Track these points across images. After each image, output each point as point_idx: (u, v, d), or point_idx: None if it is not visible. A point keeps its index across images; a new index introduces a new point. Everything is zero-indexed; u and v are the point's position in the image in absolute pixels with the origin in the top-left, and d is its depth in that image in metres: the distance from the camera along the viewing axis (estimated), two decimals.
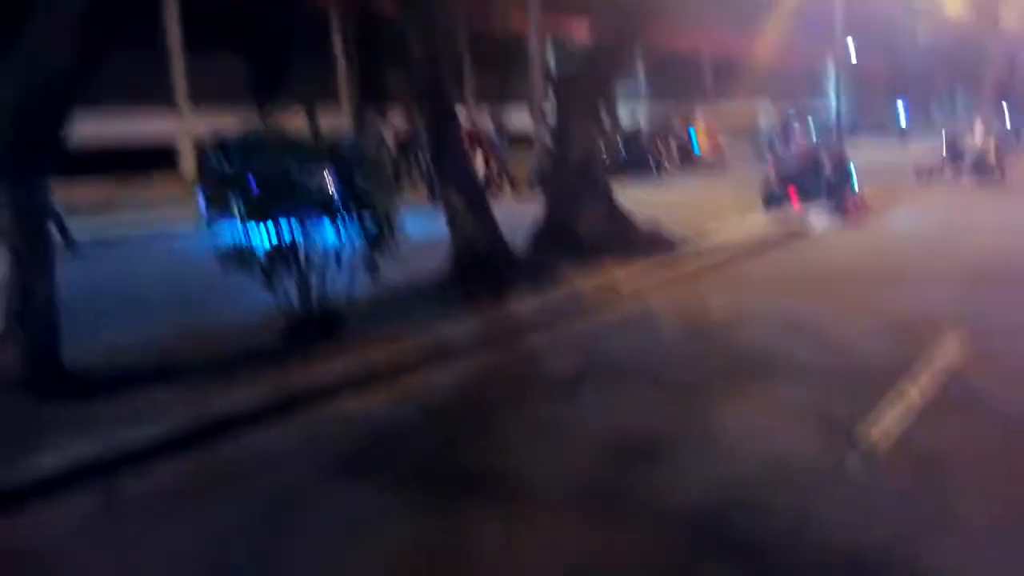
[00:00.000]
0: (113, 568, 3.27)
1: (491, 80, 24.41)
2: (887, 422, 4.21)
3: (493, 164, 17.53)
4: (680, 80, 31.78)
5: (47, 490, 3.81)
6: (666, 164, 21.43)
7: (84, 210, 13.83)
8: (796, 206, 12.09)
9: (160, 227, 13.44)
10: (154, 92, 17.02)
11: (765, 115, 27.13)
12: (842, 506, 3.41)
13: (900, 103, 34.23)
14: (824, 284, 7.97)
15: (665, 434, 4.30)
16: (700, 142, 23.12)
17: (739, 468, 3.83)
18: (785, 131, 18.79)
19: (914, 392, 4.64)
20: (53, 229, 5.93)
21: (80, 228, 11.34)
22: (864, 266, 8.81)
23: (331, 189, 6.30)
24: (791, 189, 12.30)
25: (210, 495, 3.85)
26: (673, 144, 22.37)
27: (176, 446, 4.24)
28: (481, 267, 7.74)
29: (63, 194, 8.78)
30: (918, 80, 42.00)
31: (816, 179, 12.41)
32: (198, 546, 3.35)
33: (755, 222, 11.41)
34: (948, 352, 5.37)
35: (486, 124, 18.93)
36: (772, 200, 12.37)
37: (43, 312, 4.82)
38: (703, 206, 13.63)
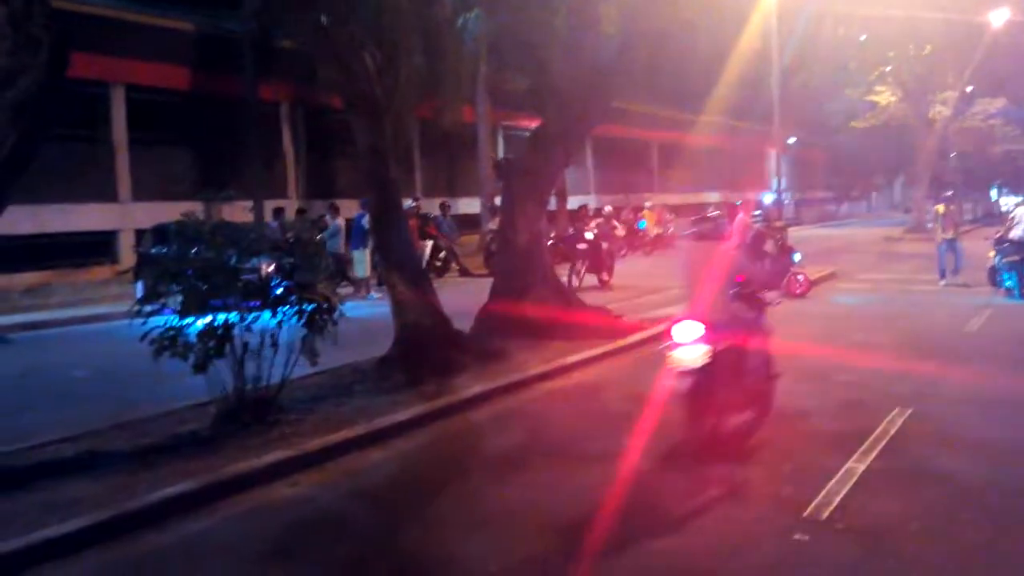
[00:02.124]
0: None
1: (441, 169, 24.88)
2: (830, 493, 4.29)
3: (443, 249, 17.74)
4: (629, 169, 32.77)
5: None
6: (617, 247, 21.81)
7: (16, 299, 13.54)
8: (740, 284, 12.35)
9: (95, 315, 13.13)
10: (96, 184, 16.94)
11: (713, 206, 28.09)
12: None
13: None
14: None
15: (604, 509, 4.26)
16: (648, 227, 23.67)
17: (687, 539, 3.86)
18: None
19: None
20: None
21: (11, 316, 11.08)
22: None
23: (271, 276, 6.31)
24: (739, 277, 12.51)
25: None
26: (621, 228, 22.86)
27: (100, 537, 4.07)
28: (424, 347, 7.72)
29: None
30: (857, 171, 44.10)
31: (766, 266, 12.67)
32: None
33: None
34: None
35: (435, 211, 19.23)
36: None
37: None
38: (648, 285, 13.91)
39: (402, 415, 6.08)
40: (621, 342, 8.86)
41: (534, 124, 14.01)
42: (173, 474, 4.76)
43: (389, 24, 8.61)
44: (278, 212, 16.29)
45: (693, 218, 6.28)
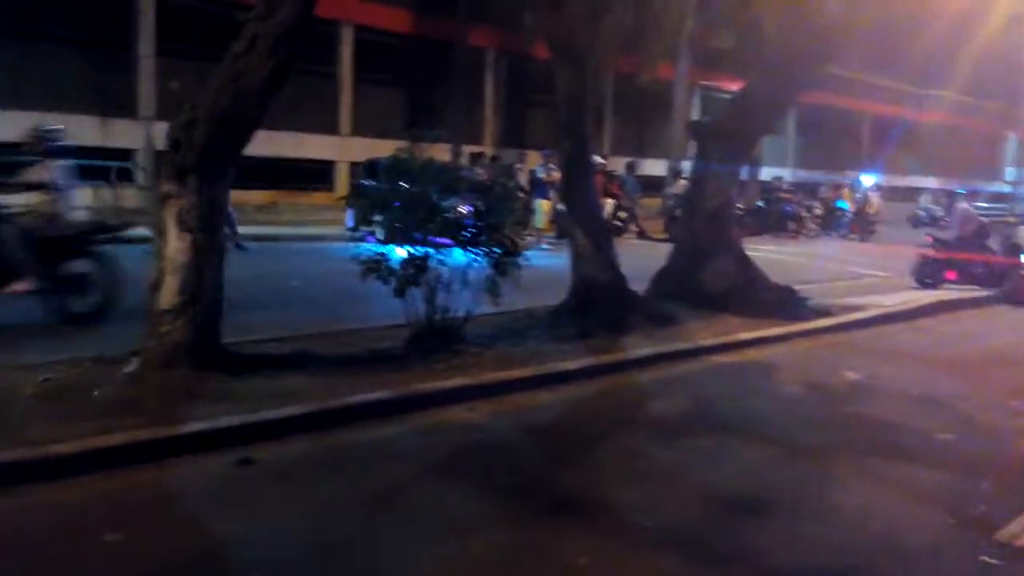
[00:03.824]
0: (235, 515, 3.76)
1: (631, 126, 24.71)
2: None
3: (624, 207, 17.80)
4: (834, 143, 30.78)
5: (195, 448, 4.39)
6: (810, 226, 20.82)
7: (250, 212, 15.28)
8: (953, 284, 11.58)
9: (313, 235, 14.63)
10: (321, 116, 18.51)
11: (926, 193, 25.88)
12: None
13: None
14: (975, 366, 7.61)
15: (776, 495, 4.26)
16: (849, 208, 22.20)
17: (857, 540, 3.74)
18: (950, 209, 17.58)
19: None
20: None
21: (245, 227, 12.58)
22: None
23: (466, 215, 6.82)
24: (950, 273, 11.75)
25: (327, 474, 4.31)
26: (819, 207, 21.73)
27: (305, 427, 4.75)
28: (599, 303, 7.96)
29: (235, 196, 9.85)
30: None
31: (983, 265, 11.76)
32: (308, 514, 3.79)
33: (901, 295, 10.96)
34: None
35: (620, 169, 19.26)
36: (925, 278, 11.84)
37: (212, 293, 5.49)
38: (844, 271, 13.34)
39: (572, 364, 6.39)
40: (803, 325, 8.58)
41: (736, 86, 13.65)
42: (369, 383, 5.38)
43: None
44: (476, 156, 17.03)
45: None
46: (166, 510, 3.86)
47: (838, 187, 23.16)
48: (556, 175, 18.21)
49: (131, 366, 5.34)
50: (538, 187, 15.57)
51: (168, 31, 16.56)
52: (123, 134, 16.31)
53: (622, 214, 17.63)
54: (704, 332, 7.86)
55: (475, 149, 18.36)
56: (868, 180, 24.55)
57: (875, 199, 22.36)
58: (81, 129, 15.83)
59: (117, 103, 16.35)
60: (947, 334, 9.24)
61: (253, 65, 5.48)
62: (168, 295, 5.38)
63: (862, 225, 21.31)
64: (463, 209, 6.97)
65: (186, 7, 16.54)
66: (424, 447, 4.78)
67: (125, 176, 15.67)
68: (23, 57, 15.40)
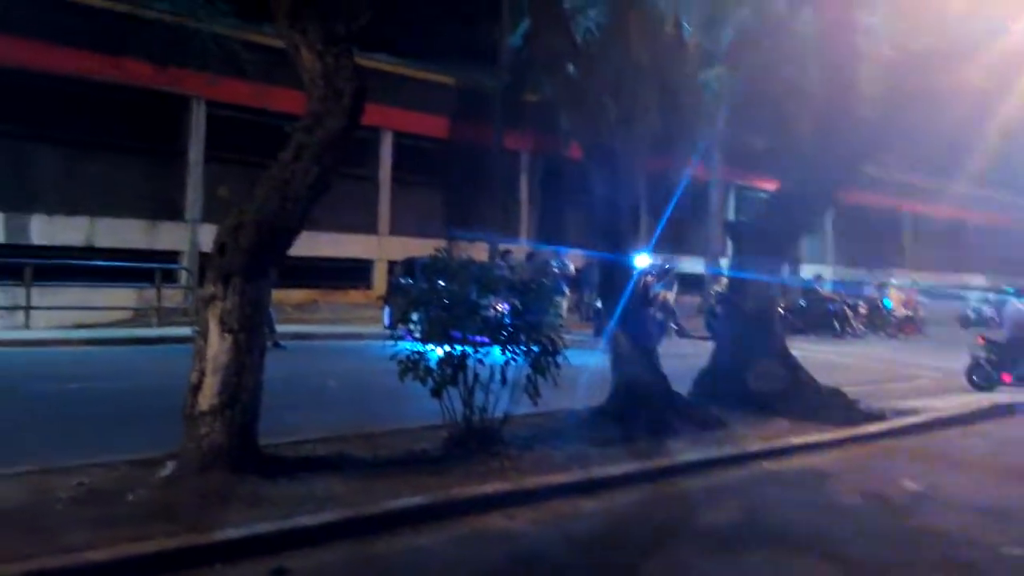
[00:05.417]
0: None
1: (667, 225, 24.89)
2: None
3: (662, 307, 17.70)
4: (876, 241, 30.52)
5: (228, 556, 4.25)
6: (853, 325, 20.41)
7: (289, 311, 15.49)
8: (1008, 387, 11.16)
9: (350, 333, 14.69)
10: (361, 217, 19.01)
11: (975, 291, 25.37)
12: None
13: None
14: None
15: None
16: (894, 306, 21.74)
17: None
18: (1000, 310, 17.08)
19: None
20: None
21: (283, 325, 12.69)
22: None
23: (504, 315, 6.79)
24: (1005, 375, 11.37)
25: None
26: (863, 305, 21.36)
27: (341, 533, 4.60)
28: (641, 405, 7.77)
29: (274, 295, 9.97)
30: None
31: None
32: None
33: (956, 398, 10.49)
34: None
35: (659, 267, 19.23)
36: (979, 379, 11.45)
37: (251, 394, 5.47)
38: (893, 372, 12.96)
39: (615, 469, 6.18)
40: (856, 430, 8.20)
41: (771, 186, 13.72)
42: (406, 487, 5.23)
43: (630, 78, 8.95)
44: (505, 254, 17.22)
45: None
46: None
47: (882, 285, 22.81)
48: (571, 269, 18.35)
49: (167, 469, 5.28)
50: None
51: (216, 139, 17.28)
52: (169, 237, 16.81)
53: (660, 313, 17.52)
54: (752, 437, 7.59)
55: (510, 247, 18.60)
56: (912, 278, 24.18)
57: (920, 298, 21.93)
58: (129, 232, 16.40)
59: (165, 207, 16.94)
60: (1007, 439, 8.80)
61: (299, 172, 5.66)
62: (208, 396, 5.36)
63: (909, 325, 20.87)
64: (501, 307, 6.96)
65: (234, 117, 17.29)
66: (462, 559, 4.57)
67: (169, 278, 16.08)
68: (76, 163, 16.12)
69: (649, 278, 14.62)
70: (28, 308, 13.87)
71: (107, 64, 15.45)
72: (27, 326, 13.74)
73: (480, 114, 20.09)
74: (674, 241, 24.84)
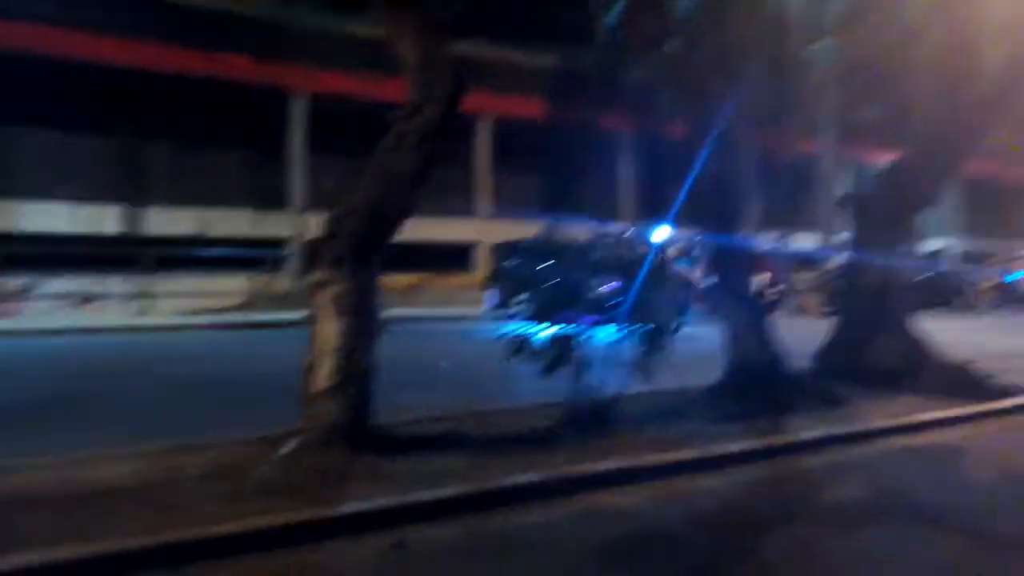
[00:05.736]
0: None
1: (779, 201, 24.05)
2: None
3: (776, 284, 17.15)
4: (1003, 212, 28.63)
5: (349, 529, 4.31)
6: (975, 300, 19.23)
7: (394, 295, 15.79)
8: None
9: (453, 315, 14.87)
10: (460, 202, 19.18)
11: None
12: None
13: None
14: None
15: None
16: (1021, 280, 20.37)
17: None
18: None
19: None
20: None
21: (388, 309, 12.92)
22: None
23: (611, 292, 6.66)
24: None
25: (485, 561, 4.10)
26: (987, 279, 20.10)
27: (458, 509, 4.59)
28: (758, 383, 7.53)
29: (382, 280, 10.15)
30: None
31: None
32: None
33: None
34: None
35: (770, 243, 18.67)
36: None
37: (365, 375, 5.58)
38: (1021, 347, 12.10)
39: (734, 446, 5.96)
40: (987, 405, 7.70)
41: (886, 157, 13.00)
42: (521, 464, 5.19)
43: (734, 53, 8.63)
44: (605, 234, 16.92)
45: None
46: None
47: (1010, 259, 21.36)
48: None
49: (288, 447, 5.40)
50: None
51: (319, 130, 17.76)
52: (274, 225, 17.40)
53: (775, 289, 16.97)
54: (877, 413, 7.19)
55: (603, 227, 18.31)
56: None
57: None
58: (237, 222, 17.08)
59: (270, 196, 17.54)
60: None
61: (401, 160, 5.69)
62: (323, 377, 5.48)
63: None
64: (608, 287, 6.83)
65: (335, 108, 17.71)
66: (583, 534, 4.49)
67: (275, 265, 16.67)
68: (186, 157, 16.89)
69: (672, 251, 13.61)
70: (147, 296, 14.64)
71: (211, 61, 16.08)
72: (147, 313, 14.51)
73: (578, 96, 19.89)
74: (787, 216, 24.01)
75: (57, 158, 16.16)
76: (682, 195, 8.44)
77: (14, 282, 14.89)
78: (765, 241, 19.06)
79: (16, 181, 15.84)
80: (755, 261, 15.83)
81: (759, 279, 15.97)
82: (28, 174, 15.95)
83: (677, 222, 8.70)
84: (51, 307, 14.88)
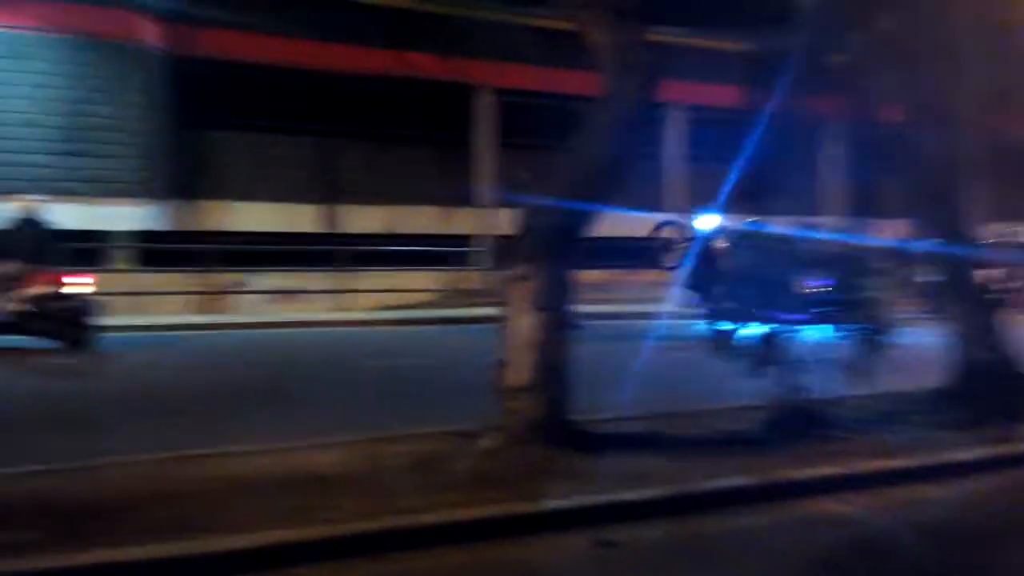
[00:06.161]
0: None
1: (1007, 189, 21.64)
2: None
3: (1007, 279, 15.39)
4: None
5: (552, 526, 4.31)
6: None
7: (583, 291, 15.79)
8: None
9: (644, 312, 14.59)
10: (647, 196, 18.80)
11: None
12: None
13: None
14: None
15: None
16: None
17: None
18: None
19: None
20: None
21: (581, 305, 12.90)
22: None
23: (825, 291, 6.28)
24: None
25: (695, 564, 4.01)
26: None
27: (662, 511, 4.49)
28: (987, 387, 6.80)
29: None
30: None
31: None
32: None
33: None
34: None
35: (1000, 235, 16.84)
36: None
37: (561, 370, 5.56)
38: None
39: (965, 454, 5.46)
40: None
41: None
42: (727, 467, 5.00)
43: (954, 31, 7.89)
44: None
45: None
46: None
47: None
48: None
49: (486, 441, 5.50)
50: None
51: (505, 125, 18.05)
52: (462, 221, 17.89)
53: (997, 286, 15.26)
54: None
55: (818, 220, 17.26)
56: None
57: None
58: (425, 218, 17.77)
59: (457, 193, 18.05)
60: None
61: (597, 152, 5.60)
62: (519, 372, 5.51)
63: None
64: (818, 284, 6.45)
65: (522, 103, 17.94)
66: (798, 541, 4.26)
67: (464, 260, 17.18)
68: (375, 156, 17.72)
69: (720, 243, 11.88)
70: (343, 292, 15.48)
71: (397, 60, 16.71)
72: (344, 308, 15.34)
73: (777, 81, 18.92)
74: (1017, 206, 21.52)
75: (259, 159, 17.43)
76: (899, 186, 7.81)
77: (229, 277, 16.06)
78: (994, 233, 17.22)
79: (224, 183, 17.16)
80: (983, 255, 14.35)
81: (987, 274, 14.43)
82: (234, 176, 17.27)
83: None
84: (259, 300, 15.91)
